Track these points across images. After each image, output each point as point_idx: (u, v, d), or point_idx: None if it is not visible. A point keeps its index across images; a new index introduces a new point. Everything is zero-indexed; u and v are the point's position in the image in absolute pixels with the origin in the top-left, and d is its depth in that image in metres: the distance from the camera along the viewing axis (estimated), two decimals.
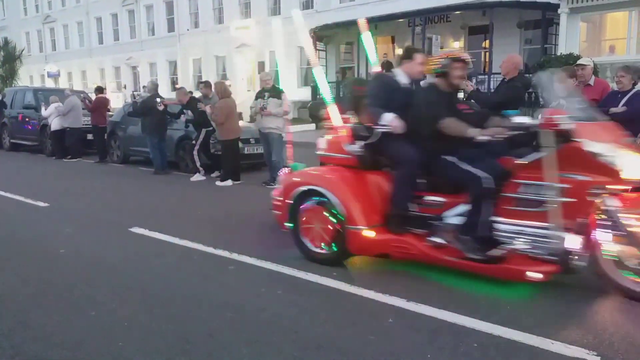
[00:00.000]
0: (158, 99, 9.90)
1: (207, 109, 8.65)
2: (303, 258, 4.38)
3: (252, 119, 9.33)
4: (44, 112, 12.79)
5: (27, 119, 14.13)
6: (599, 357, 2.72)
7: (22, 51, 34.06)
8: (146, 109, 9.85)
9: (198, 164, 9.32)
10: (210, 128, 8.95)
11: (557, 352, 2.78)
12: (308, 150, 11.74)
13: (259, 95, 8.51)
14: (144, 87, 21.19)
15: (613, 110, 5.51)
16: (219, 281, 3.92)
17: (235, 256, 4.51)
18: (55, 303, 3.48)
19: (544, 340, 2.90)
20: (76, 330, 3.06)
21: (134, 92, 12.77)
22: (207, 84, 9.64)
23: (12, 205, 6.97)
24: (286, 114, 8.53)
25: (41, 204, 6.95)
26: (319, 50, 21.27)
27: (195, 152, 9.34)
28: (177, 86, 14.25)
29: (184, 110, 9.45)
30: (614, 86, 5.96)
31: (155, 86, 10.57)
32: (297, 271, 4.08)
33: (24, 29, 39.83)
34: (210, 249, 4.72)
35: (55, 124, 12.46)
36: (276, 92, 8.42)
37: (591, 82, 6.16)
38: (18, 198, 7.34)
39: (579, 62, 6.28)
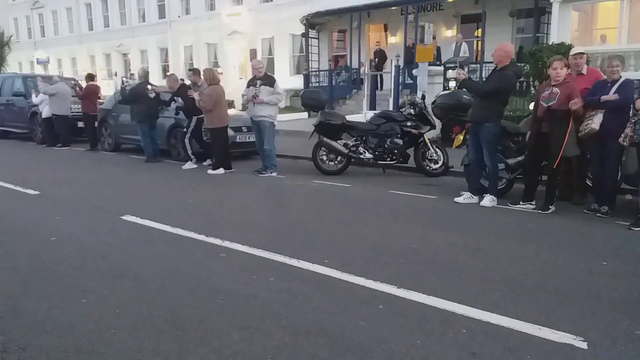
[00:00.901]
0: (149, 86, 9.82)
1: (196, 96, 8.59)
2: (295, 246, 4.39)
3: (245, 107, 9.29)
4: (34, 99, 12.65)
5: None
6: (586, 343, 2.77)
7: (11, 37, 33.57)
8: (136, 96, 9.78)
9: (190, 151, 9.29)
10: (201, 115, 8.90)
11: (544, 337, 2.83)
12: (299, 139, 11.75)
13: (251, 83, 8.46)
14: (131, 74, 21.00)
15: (605, 98, 5.55)
16: (210, 268, 3.93)
17: (227, 244, 4.51)
18: (45, 290, 3.47)
19: (532, 326, 2.94)
20: (67, 317, 3.05)
21: (123, 79, 12.62)
22: (195, 72, 9.56)
23: (1, 193, 6.91)
24: (278, 102, 8.50)
25: (31, 191, 6.90)
26: (311, 38, 21.15)
27: (186, 140, 9.30)
28: (167, 73, 14.13)
29: (175, 98, 9.38)
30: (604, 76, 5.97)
31: (145, 73, 10.48)
32: (288, 258, 4.10)
33: (12, 15, 39.16)
34: (202, 237, 4.72)
35: (46, 112, 12.34)
36: (269, 80, 8.38)
37: (584, 71, 6.18)
38: (8, 186, 7.28)
39: (576, 51, 6.28)
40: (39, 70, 33.17)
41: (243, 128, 9.90)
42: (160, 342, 2.75)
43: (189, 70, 9.51)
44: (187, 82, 9.91)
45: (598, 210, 5.71)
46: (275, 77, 8.56)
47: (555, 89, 5.63)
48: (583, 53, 6.22)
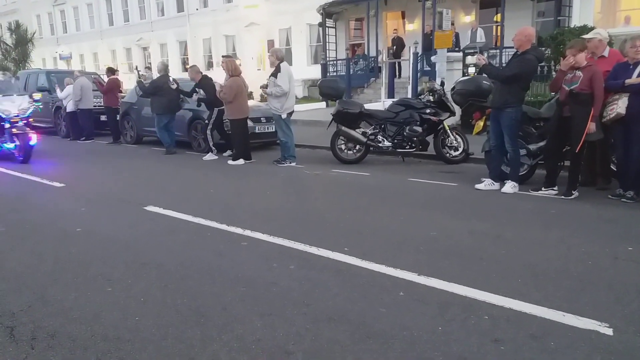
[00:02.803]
0: (171, 78, 9.93)
1: (217, 87, 8.63)
2: (314, 234, 4.41)
3: (265, 98, 9.33)
4: (59, 94, 12.88)
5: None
6: (612, 329, 2.73)
7: (34, 34, 34.09)
8: (157, 89, 9.89)
9: (211, 143, 9.36)
10: (222, 107, 8.95)
11: (568, 324, 2.80)
12: (317, 129, 11.74)
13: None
14: (146, 67, 21.14)
15: (629, 81, 5.41)
16: (232, 257, 3.97)
17: (248, 233, 4.55)
18: (72, 279, 3.56)
19: (556, 313, 2.91)
20: (93, 305, 3.13)
21: (138, 72, 12.75)
22: (193, 68, 9.61)
23: (29, 186, 7.08)
24: (278, 94, 8.22)
25: (57, 184, 7.05)
26: (328, 27, 21.03)
27: (208, 131, 9.38)
28: (188, 65, 14.23)
29: (197, 89, 9.45)
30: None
31: (165, 67, 10.57)
32: (308, 247, 4.12)
33: (35, 12, 39.80)
34: (223, 226, 4.77)
35: (70, 106, 12.56)
36: (275, 72, 8.28)
37: (605, 53, 6.04)
38: (34, 179, 7.46)
39: (588, 36, 6.14)
40: (61, 65, 33.68)
41: (262, 119, 9.94)
42: (184, 329, 2.80)
43: (223, 56, 9.48)
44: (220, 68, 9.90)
45: (623, 195, 5.60)
46: (283, 67, 8.23)
47: (579, 72, 5.52)
48: (591, 38, 6.05)
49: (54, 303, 3.17)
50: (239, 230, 4.63)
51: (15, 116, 8.99)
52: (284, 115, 8.34)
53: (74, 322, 2.90)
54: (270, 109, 8.49)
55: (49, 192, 6.67)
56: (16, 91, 9.75)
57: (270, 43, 24.72)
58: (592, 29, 10.33)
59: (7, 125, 9.03)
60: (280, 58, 8.29)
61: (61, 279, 3.59)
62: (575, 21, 13.30)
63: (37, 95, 10.04)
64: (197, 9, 28.51)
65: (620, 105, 5.47)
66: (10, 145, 9.12)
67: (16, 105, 9.06)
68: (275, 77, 8.18)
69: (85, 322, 2.91)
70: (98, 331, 2.80)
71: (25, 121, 9.15)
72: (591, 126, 5.44)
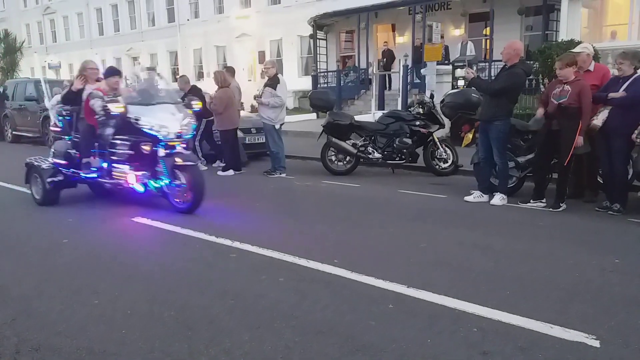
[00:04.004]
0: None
1: (207, 98, 8.63)
2: (304, 246, 4.39)
3: (255, 109, 9.34)
4: (47, 103, 12.78)
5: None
6: (598, 341, 2.74)
7: (23, 43, 33.93)
8: None
9: (200, 154, 9.33)
10: (211, 118, 8.93)
11: (556, 336, 2.80)
12: (308, 140, 11.75)
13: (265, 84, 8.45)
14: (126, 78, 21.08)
15: (612, 95, 5.52)
16: (221, 269, 3.95)
17: (237, 244, 4.53)
18: (57, 292, 3.51)
19: (544, 325, 2.92)
20: (79, 318, 3.08)
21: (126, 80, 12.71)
22: (183, 78, 9.62)
23: (14, 196, 7.00)
24: (277, 105, 8.24)
25: None
26: (319, 39, 21.17)
27: (196, 143, 9.35)
28: (178, 76, 14.24)
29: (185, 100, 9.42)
30: (615, 72, 5.93)
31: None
32: (298, 258, 4.10)
33: (24, 21, 39.64)
34: (212, 238, 4.74)
35: None
36: (272, 82, 8.32)
37: (591, 67, 6.13)
38: (21, 189, 7.36)
39: (577, 49, 6.24)
40: (50, 75, 33.47)
41: (252, 129, 9.94)
42: (171, 342, 2.76)
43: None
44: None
45: (610, 207, 5.66)
46: (281, 79, 8.45)
47: (567, 87, 5.59)
48: (579, 52, 6.15)
49: (39, 316, 3.12)
50: (227, 242, 4.60)
51: (178, 137, 5.69)
52: (277, 126, 8.36)
53: (59, 336, 2.86)
54: (261, 119, 8.48)
55: (35, 202, 6.58)
56: (172, 99, 6.27)
57: (261, 54, 24.80)
58: (579, 43, 10.49)
59: (161, 152, 5.61)
60: (277, 70, 8.36)
61: (47, 291, 3.53)
62: (563, 35, 13.47)
63: (197, 105, 6.47)
64: (188, 20, 28.58)
65: (598, 117, 5.57)
66: (164, 182, 5.71)
67: (177, 120, 5.76)
68: (274, 87, 8.20)
69: (70, 335, 2.86)
70: (83, 345, 2.75)
71: (184, 144, 5.94)
72: (579, 140, 5.51)
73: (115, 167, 6.01)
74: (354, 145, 8.47)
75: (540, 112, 5.88)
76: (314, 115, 17.42)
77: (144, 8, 31.06)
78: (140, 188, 5.86)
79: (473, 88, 6.88)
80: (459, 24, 18.79)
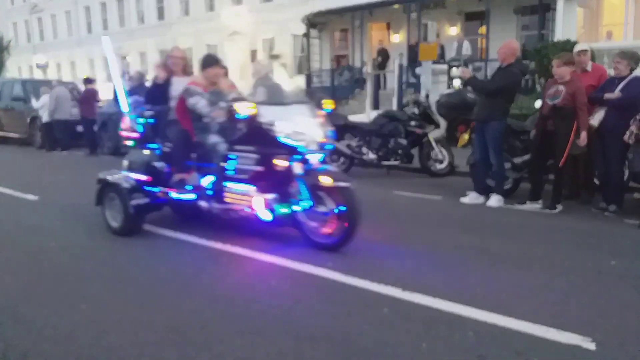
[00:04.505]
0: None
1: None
2: (297, 250, 4.33)
3: None
4: (35, 103, 12.66)
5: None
6: (594, 344, 2.71)
7: (10, 42, 33.59)
8: None
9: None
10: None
11: (552, 339, 2.77)
12: None
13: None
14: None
15: (607, 96, 5.51)
16: (212, 273, 3.88)
17: (228, 247, 4.46)
18: (45, 296, 3.43)
19: (540, 328, 2.88)
20: (67, 323, 3.01)
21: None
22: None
23: (1, 199, 6.89)
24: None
25: (31, 196, 6.86)
26: (312, 38, 21.09)
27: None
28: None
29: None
30: (611, 72, 5.92)
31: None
32: (291, 262, 4.04)
33: (11, 20, 39.23)
34: (203, 241, 4.67)
35: (46, 116, 12.34)
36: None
37: (588, 67, 6.12)
38: (7, 191, 7.25)
39: (580, 48, 6.19)
40: (38, 74, 33.21)
41: None
42: (161, 348, 2.70)
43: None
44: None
45: (606, 209, 5.64)
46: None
47: (561, 87, 5.57)
48: (586, 50, 6.14)
49: (26, 321, 3.05)
50: (219, 245, 4.53)
51: (320, 148, 4.40)
52: None
53: (46, 341, 2.78)
54: None
55: (23, 205, 6.50)
56: (301, 98, 4.93)
57: (254, 53, 24.70)
58: (574, 43, 10.50)
59: (298, 168, 4.26)
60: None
61: (34, 295, 3.46)
62: (559, 35, 13.52)
63: (330, 104, 5.01)
64: (178, 18, 28.37)
65: (595, 118, 5.55)
66: (303, 207, 4.30)
67: (316, 125, 4.43)
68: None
69: (58, 341, 2.79)
70: (72, 350, 2.68)
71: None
72: (582, 135, 5.45)
73: (228, 188, 4.60)
74: (348, 145, 8.41)
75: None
76: None
77: (134, 6, 30.80)
78: (267, 216, 4.39)
79: (469, 88, 6.85)
80: (455, 22, 18.79)
